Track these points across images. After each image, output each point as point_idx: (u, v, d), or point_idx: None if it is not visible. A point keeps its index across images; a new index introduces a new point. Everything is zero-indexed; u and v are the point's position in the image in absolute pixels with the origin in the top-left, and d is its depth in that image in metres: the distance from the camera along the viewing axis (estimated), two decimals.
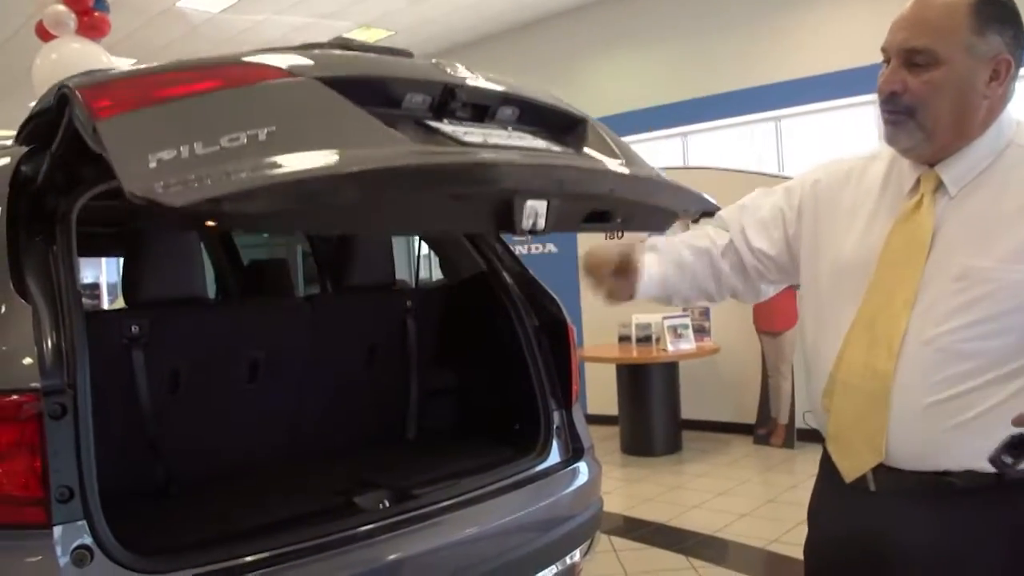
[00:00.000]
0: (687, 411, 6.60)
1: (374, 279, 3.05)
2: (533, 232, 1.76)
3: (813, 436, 1.86)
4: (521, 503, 2.60)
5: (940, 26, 1.39)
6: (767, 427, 6.46)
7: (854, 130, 8.31)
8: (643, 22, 9.75)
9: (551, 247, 7.51)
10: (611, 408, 6.68)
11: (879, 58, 1.50)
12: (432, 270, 5.29)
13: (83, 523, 1.84)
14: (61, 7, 6.24)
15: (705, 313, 6.68)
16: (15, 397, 1.86)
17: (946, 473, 1.41)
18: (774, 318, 6.21)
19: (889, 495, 1.47)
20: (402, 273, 3.52)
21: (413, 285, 3.73)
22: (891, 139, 1.47)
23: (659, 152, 9.63)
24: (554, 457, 2.83)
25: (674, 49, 9.60)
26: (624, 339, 6.64)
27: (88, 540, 1.84)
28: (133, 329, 2.41)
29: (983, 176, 1.43)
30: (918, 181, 1.48)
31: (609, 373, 6.65)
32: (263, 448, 2.83)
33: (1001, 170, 1.42)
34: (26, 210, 2.18)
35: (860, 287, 1.50)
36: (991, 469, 1.33)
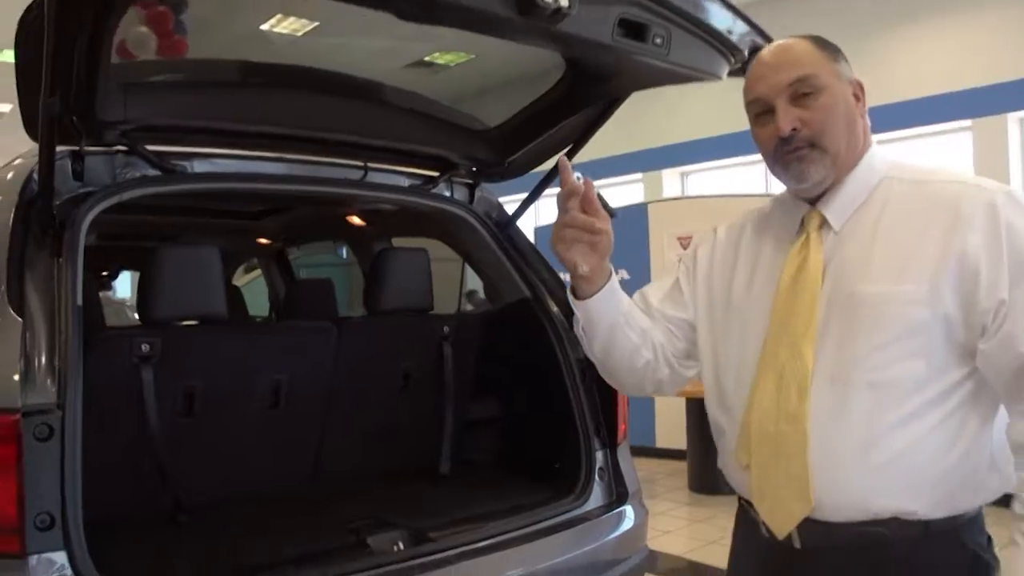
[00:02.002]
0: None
1: (409, 303, 2.88)
2: (558, 13, 1.73)
3: None
4: (554, 550, 2.41)
5: (806, 60, 1.47)
6: None
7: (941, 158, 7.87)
8: None
9: (624, 273, 7.28)
10: (680, 442, 6.39)
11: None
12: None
13: (62, 554, 1.73)
14: (145, 28, 6.37)
15: None
16: None
17: (875, 523, 1.37)
18: None
19: (817, 552, 1.43)
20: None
21: (455, 311, 3.56)
22: (802, 176, 1.47)
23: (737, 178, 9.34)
24: (595, 500, 2.62)
25: None
26: None
27: (67, 573, 1.72)
28: (143, 348, 2.30)
29: (862, 209, 1.46)
30: (803, 221, 1.51)
31: (679, 404, 6.39)
32: (281, 478, 2.69)
33: (878, 201, 1.45)
34: (36, 218, 2.10)
35: (759, 332, 1.50)
36: (921, 515, 1.34)
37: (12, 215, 2.13)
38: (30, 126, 1.99)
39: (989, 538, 1.44)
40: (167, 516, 2.38)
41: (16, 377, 1.79)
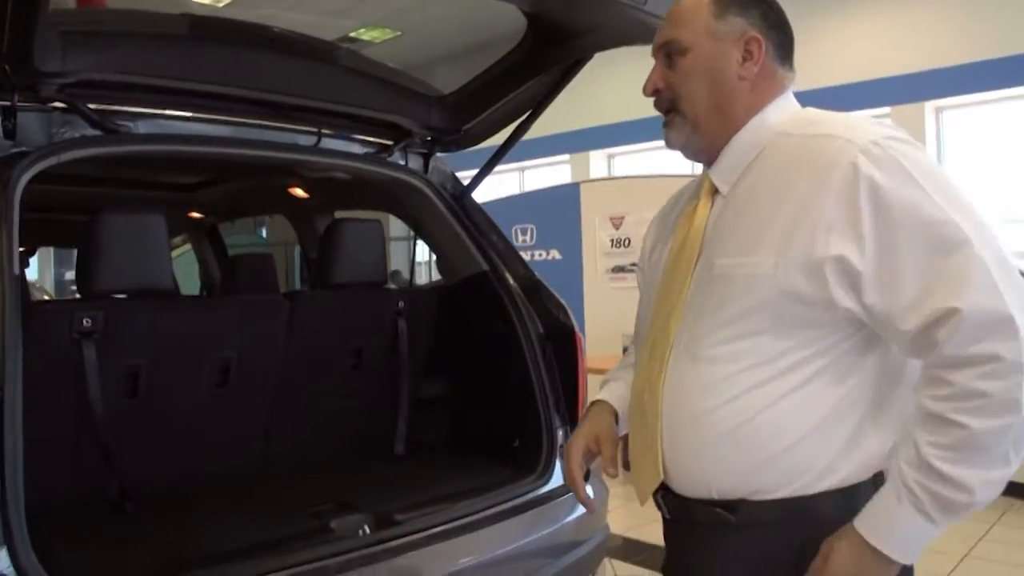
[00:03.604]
0: None
1: (363, 277, 2.75)
2: None
3: None
4: (519, 531, 2.33)
5: (685, 18, 1.43)
6: None
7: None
8: None
9: (555, 253, 7.25)
10: None
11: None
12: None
13: (2, 552, 1.59)
14: None
15: None
16: None
17: (722, 504, 1.34)
18: None
19: (683, 525, 1.43)
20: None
21: (407, 284, 3.43)
22: (667, 141, 1.47)
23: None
24: (557, 479, 2.54)
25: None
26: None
27: (7, 569, 1.58)
28: (85, 322, 2.13)
29: (749, 170, 1.38)
30: (701, 185, 1.47)
31: None
32: (233, 460, 2.54)
33: (763, 161, 1.37)
34: None
35: (652, 305, 1.50)
36: (770, 495, 1.30)
37: None
38: None
39: None
40: (113, 503, 2.22)
41: None
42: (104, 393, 2.17)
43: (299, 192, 3.52)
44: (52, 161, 2.04)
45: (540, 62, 2.56)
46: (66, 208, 3.74)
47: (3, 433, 1.62)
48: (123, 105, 2.26)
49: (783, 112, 1.41)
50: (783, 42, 1.43)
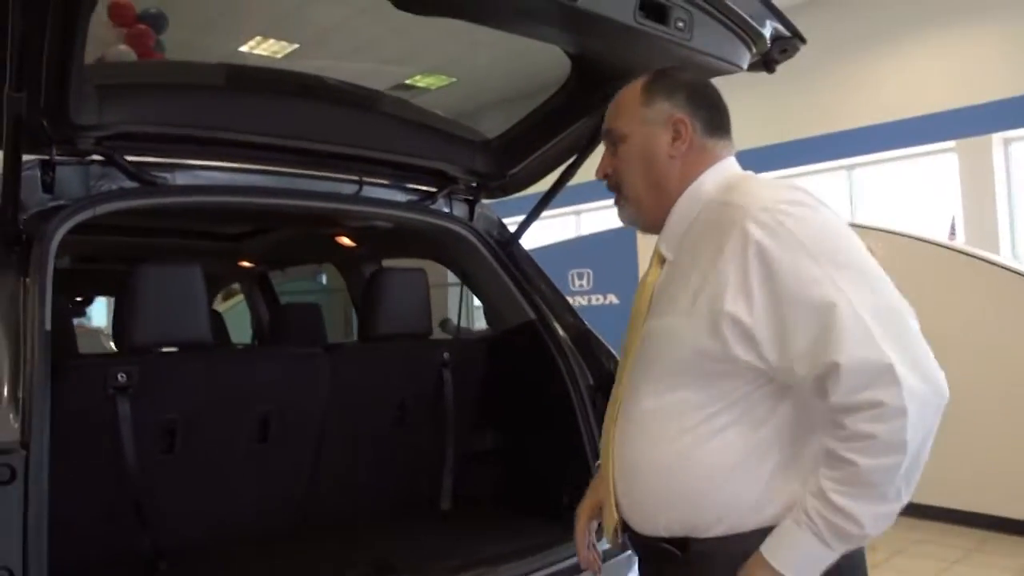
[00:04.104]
0: None
1: (406, 327, 2.68)
2: None
3: None
4: None
5: (621, 108, 1.59)
6: None
7: (926, 179, 7.84)
8: None
9: (612, 298, 7.11)
10: None
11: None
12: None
13: None
14: (124, 47, 6.18)
15: None
16: None
17: (670, 540, 1.45)
18: None
19: (646, 561, 1.56)
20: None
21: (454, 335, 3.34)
22: (620, 218, 1.63)
23: None
24: None
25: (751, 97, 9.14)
26: None
27: None
28: (120, 377, 2.08)
29: (685, 236, 1.50)
30: (654, 253, 1.60)
31: None
32: (271, 518, 2.46)
33: (694, 227, 1.48)
34: (2, 234, 1.90)
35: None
36: (704, 533, 1.41)
37: None
38: None
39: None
40: (146, 562, 2.16)
41: None
42: (139, 449, 2.11)
43: (345, 241, 3.48)
44: (88, 214, 2.02)
45: (585, 104, 2.49)
46: (121, 258, 3.76)
47: (27, 492, 1.56)
48: (161, 156, 2.24)
49: (717, 179, 1.52)
50: (711, 116, 1.55)
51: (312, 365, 2.49)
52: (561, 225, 11.42)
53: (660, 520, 1.46)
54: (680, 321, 1.42)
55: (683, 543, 1.44)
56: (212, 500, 2.35)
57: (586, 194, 10.89)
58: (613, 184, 1.59)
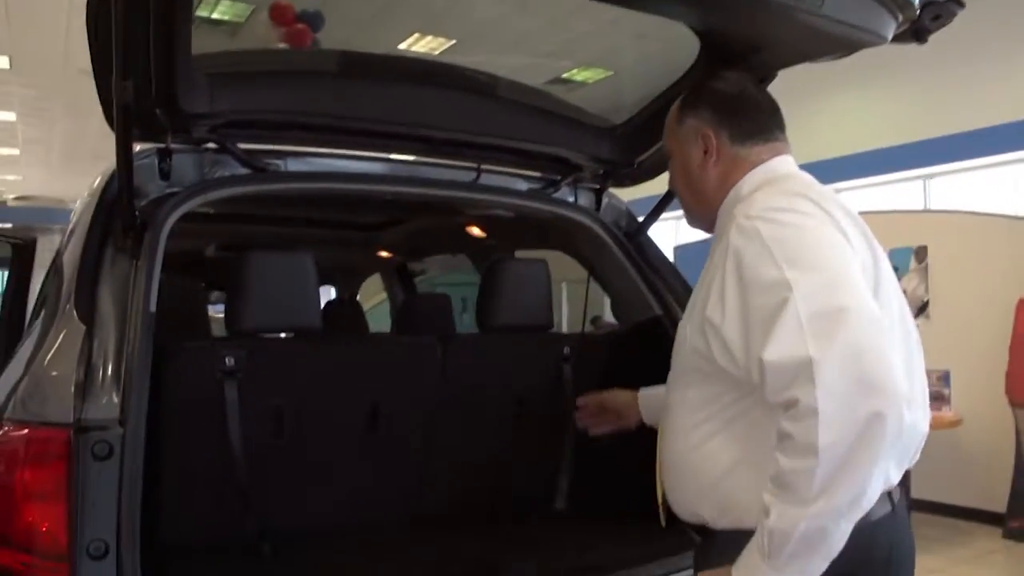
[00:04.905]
0: (919, 490, 5.62)
1: (525, 320, 2.58)
2: None
3: None
4: None
5: (666, 127, 1.73)
6: (1022, 519, 5.36)
7: None
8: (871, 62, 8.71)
9: None
10: None
11: None
12: None
13: None
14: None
15: (944, 379, 5.74)
16: (43, 431, 1.61)
17: (696, 528, 1.55)
18: None
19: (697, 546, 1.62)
20: None
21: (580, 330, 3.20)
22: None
23: (896, 194, 8.76)
24: None
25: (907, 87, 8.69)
26: None
27: None
28: (228, 361, 2.10)
29: (713, 247, 1.55)
30: None
31: None
32: (376, 510, 2.42)
33: (717, 238, 1.54)
34: (119, 219, 1.95)
35: None
36: (710, 524, 1.49)
37: (91, 215, 1.99)
38: (109, 115, 1.83)
39: None
40: (249, 545, 2.17)
41: (72, 389, 1.62)
42: (246, 433, 2.13)
43: (475, 231, 3.43)
44: (199, 200, 2.04)
45: None
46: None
47: (123, 466, 1.59)
48: (274, 144, 2.25)
49: (752, 186, 1.56)
50: (742, 124, 1.60)
51: (424, 355, 2.44)
52: None
53: (685, 506, 1.55)
54: (685, 323, 1.56)
55: (700, 529, 1.54)
56: (318, 488, 2.34)
57: None
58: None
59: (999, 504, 5.55)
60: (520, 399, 2.63)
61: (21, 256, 3.70)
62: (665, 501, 1.62)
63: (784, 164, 1.61)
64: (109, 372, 1.70)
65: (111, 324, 1.78)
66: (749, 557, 1.32)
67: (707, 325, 1.41)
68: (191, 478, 2.13)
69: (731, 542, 1.39)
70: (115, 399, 1.66)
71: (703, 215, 1.66)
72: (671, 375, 1.61)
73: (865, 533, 1.34)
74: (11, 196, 15.50)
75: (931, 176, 8.81)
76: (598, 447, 2.64)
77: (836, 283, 1.31)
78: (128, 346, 1.74)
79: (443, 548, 2.24)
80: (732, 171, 1.59)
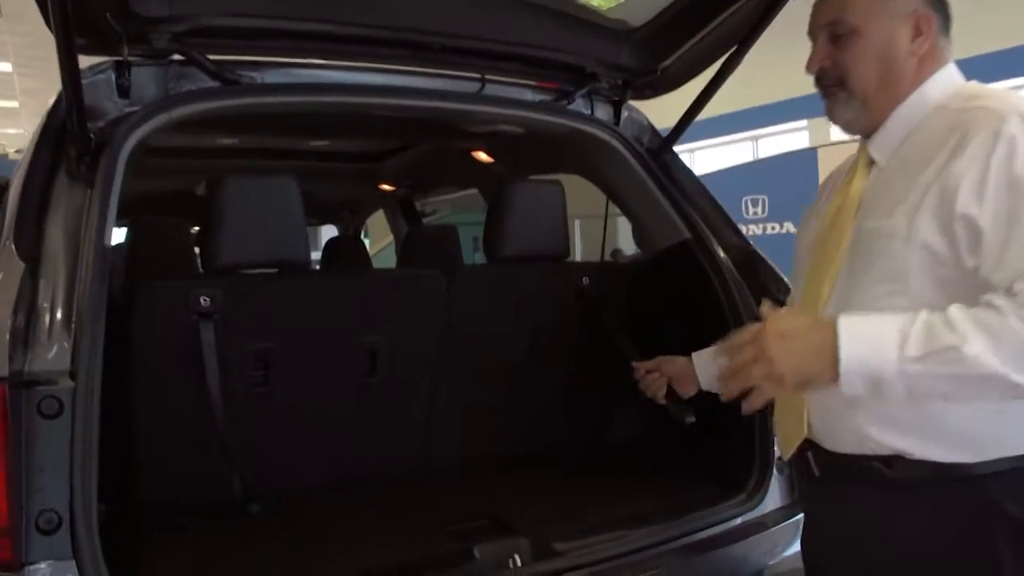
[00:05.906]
0: None
1: (537, 249, 2.34)
2: None
3: None
4: (720, 569, 1.92)
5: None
6: None
7: None
8: None
9: (789, 226, 6.56)
10: None
11: None
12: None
13: (71, 563, 1.39)
14: None
15: None
16: None
17: (876, 458, 1.39)
18: None
19: (832, 482, 1.48)
20: None
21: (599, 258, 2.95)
22: (830, 114, 1.53)
23: None
24: (773, 500, 2.08)
25: None
26: None
27: None
28: (202, 301, 1.87)
29: (907, 141, 1.44)
30: (859, 157, 1.54)
31: None
32: (375, 463, 2.25)
33: (917, 134, 1.43)
34: (71, 144, 1.71)
35: (805, 269, 1.57)
36: (926, 456, 1.34)
37: (37, 139, 1.75)
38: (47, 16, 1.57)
39: None
40: (235, 505, 1.99)
41: (8, 336, 1.40)
42: (227, 380, 1.92)
43: (482, 157, 3.16)
44: (162, 118, 1.80)
45: None
46: None
47: (74, 425, 1.39)
48: (248, 55, 1.99)
49: (943, 85, 1.46)
50: (946, 11, 1.48)
51: (427, 289, 2.21)
52: (737, 152, 10.77)
53: (867, 437, 1.38)
54: (899, 222, 1.34)
55: (888, 460, 1.38)
56: (312, 440, 2.15)
57: (765, 117, 10.20)
58: (833, 77, 1.49)
59: None
60: (534, 336, 2.42)
61: None
62: (808, 442, 1.48)
63: (956, 69, 1.50)
64: (58, 317, 1.49)
65: (60, 263, 1.57)
66: (875, 334, 1.21)
67: (959, 222, 1.27)
68: (169, 431, 1.95)
69: (946, 479, 1.32)
70: (66, 348, 1.46)
71: (879, 107, 1.47)
72: (852, 286, 1.41)
73: None
74: (12, 149, 15.32)
75: None
76: (620, 388, 2.42)
77: None
78: (80, 286, 1.51)
79: (446, 504, 2.06)
80: (929, 63, 1.46)
